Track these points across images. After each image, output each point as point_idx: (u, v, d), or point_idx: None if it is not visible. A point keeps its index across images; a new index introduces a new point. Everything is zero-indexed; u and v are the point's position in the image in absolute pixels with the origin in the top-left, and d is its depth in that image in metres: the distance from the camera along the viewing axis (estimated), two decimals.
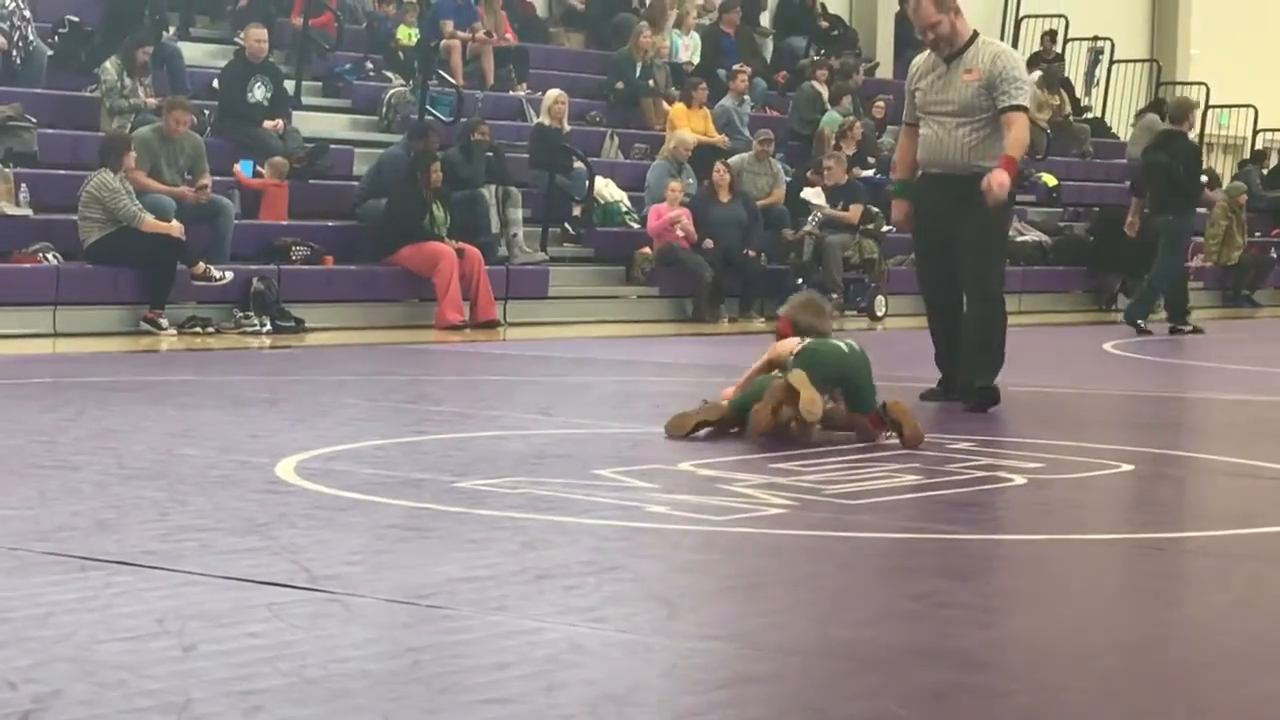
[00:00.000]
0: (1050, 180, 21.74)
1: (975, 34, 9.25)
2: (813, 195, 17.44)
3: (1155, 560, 5.60)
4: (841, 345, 7.91)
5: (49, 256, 12.73)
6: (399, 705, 3.52)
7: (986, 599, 4.86)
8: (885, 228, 17.80)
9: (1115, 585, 5.27)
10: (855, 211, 17.32)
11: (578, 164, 16.94)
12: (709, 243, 16.31)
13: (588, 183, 16.89)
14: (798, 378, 7.46)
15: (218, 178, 14.02)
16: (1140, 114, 24.20)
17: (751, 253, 16.60)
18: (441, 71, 17.41)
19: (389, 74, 17.81)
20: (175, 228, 12.83)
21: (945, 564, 5.35)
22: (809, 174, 17.79)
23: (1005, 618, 4.63)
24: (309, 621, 4.18)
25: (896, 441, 7.57)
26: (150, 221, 12.69)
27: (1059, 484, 6.73)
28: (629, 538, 5.42)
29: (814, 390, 7.40)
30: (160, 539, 5.12)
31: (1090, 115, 24.87)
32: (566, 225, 16.88)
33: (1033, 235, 20.05)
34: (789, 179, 17.99)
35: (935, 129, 9.14)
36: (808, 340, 7.87)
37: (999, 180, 8.86)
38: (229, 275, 13.10)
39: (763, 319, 16.23)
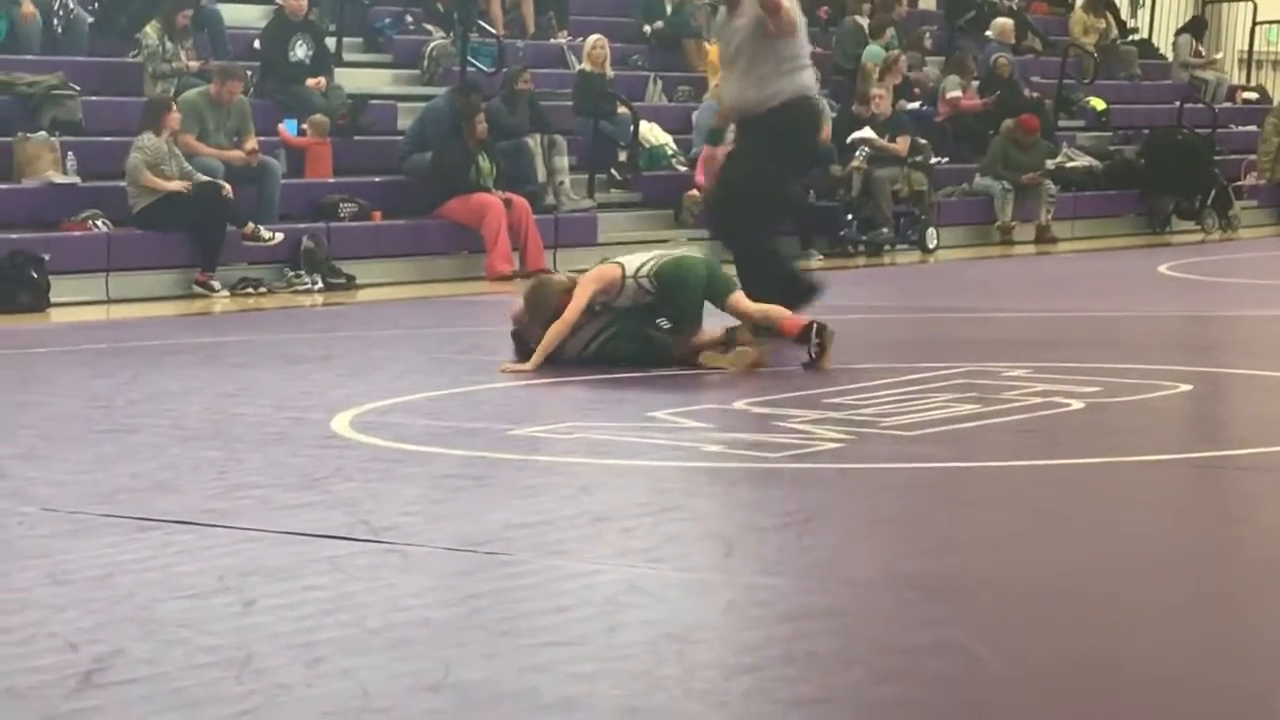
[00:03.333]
0: (1099, 105, 21.53)
1: None
2: (859, 132, 17.32)
3: (1215, 479, 5.56)
4: (692, 259, 8.22)
5: (99, 224, 12.76)
6: (460, 652, 3.52)
7: (1047, 524, 4.83)
8: (934, 159, 17.67)
9: (1176, 505, 5.23)
10: (903, 143, 17.19)
11: (622, 109, 16.86)
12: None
13: (632, 127, 16.81)
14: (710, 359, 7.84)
15: (262, 138, 14.01)
16: (1177, 34, 23.95)
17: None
18: (481, 22, 17.33)
19: (429, 27, 17.75)
20: (220, 190, 12.79)
21: (1005, 491, 5.32)
22: (854, 108, 17.67)
23: (1067, 542, 4.59)
24: (368, 573, 4.18)
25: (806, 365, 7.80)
26: (161, 184, 12.54)
27: (1117, 407, 6.68)
28: (685, 478, 5.41)
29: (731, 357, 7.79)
30: (218, 497, 5.14)
31: (1137, 37, 24.59)
32: (613, 171, 16.81)
33: (1083, 160, 19.86)
34: (834, 114, 17.85)
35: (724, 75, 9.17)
36: (662, 264, 7.97)
37: None
38: (279, 235, 13.10)
39: (820, 257, 16.15)
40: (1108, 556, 4.41)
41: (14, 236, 12.17)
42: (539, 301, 8.05)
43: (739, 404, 6.85)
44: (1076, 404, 6.67)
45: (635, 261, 8.09)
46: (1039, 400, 6.76)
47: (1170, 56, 24.28)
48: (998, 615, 3.86)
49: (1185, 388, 7.16)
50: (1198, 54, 23.52)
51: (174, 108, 12.95)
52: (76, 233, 12.65)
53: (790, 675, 3.39)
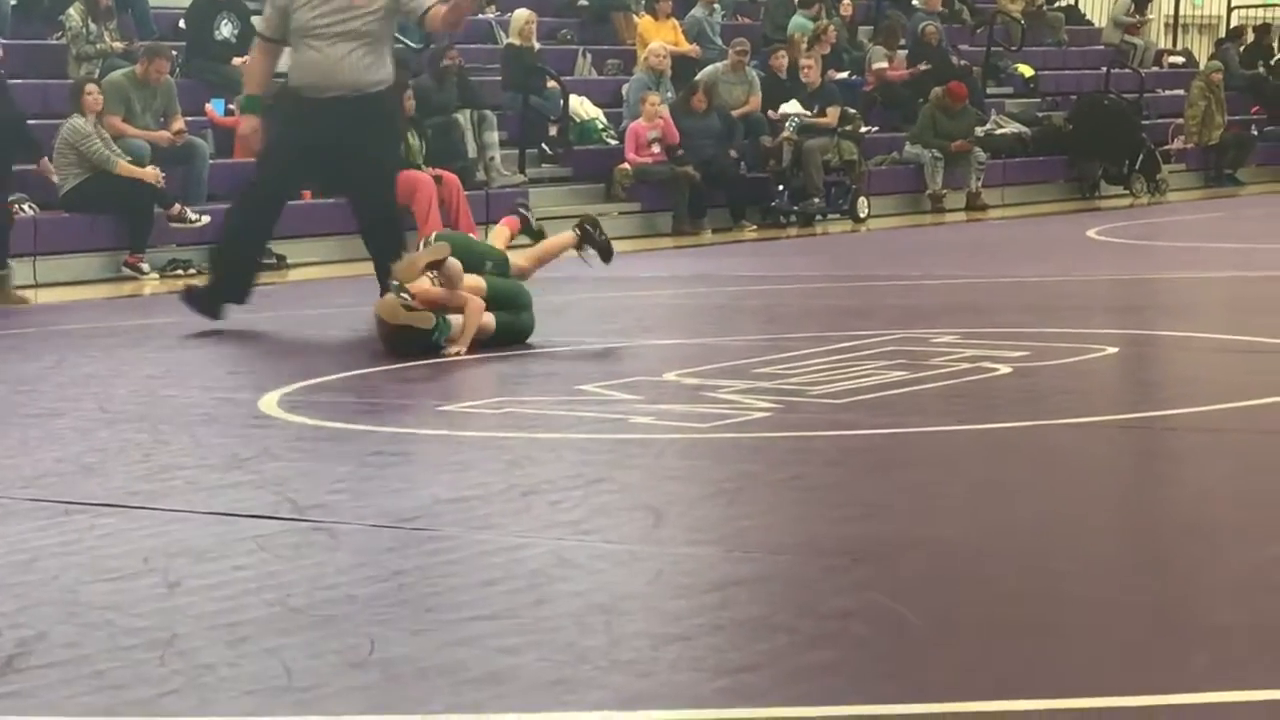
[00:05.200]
0: (1027, 71, 21.61)
1: None
2: (787, 106, 17.33)
3: (1145, 439, 5.59)
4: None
5: (25, 207, 12.63)
6: (385, 628, 3.51)
7: (977, 488, 4.85)
8: (864, 129, 17.70)
9: (1106, 466, 5.26)
10: (833, 114, 17.21)
11: (551, 84, 16.81)
12: (682, 155, 16.21)
13: (562, 102, 16.77)
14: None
15: (189, 118, 13.89)
16: None
17: (733, 153, 16.54)
18: None
19: None
20: (150, 173, 12.73)
21: (934, 456, 5.34)
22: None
23: (997, 505, 4.61)
24: (294, 551, 4.16)
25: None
26: (124, 166, 12.59)
27: (1045, 371, 6.71)
28: (614, 450, 5.40)
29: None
30: (144, 479, 5.10)
31: (1063, 3, 24.70)
32: (543, 146, 16.76)
33: (1012, 127, 19.93)
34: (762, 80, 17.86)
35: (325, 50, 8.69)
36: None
37: None
38: (206, 217, 13.00)
39: (752, 227, 16.17)
40: (1037, 518, 4.43)
41: None
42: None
43: (669, 375, 6.85)
44: (1005, 369, 6.70)
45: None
46: (968, 366, 6.79)
47: (1097, 23, 24.40)
48: (926, 578, 3.88)
49: (1112, 350, 7.21)
50: (1135, 13, 23.58)
51: (92, 89, 12.80)
52: None
53: (717, 644, 3.40)
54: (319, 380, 7.04)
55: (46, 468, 5.32)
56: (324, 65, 8.74)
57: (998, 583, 3.83)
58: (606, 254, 8.69)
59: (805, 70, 17.52)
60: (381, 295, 8.01)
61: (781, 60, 17.67)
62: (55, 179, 12.50)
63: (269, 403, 6.42)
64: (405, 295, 7.67)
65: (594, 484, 4.87)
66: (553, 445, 5.46)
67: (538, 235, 8.95)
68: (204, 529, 4.43)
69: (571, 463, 5.17)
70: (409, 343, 7.52)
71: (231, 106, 14.51)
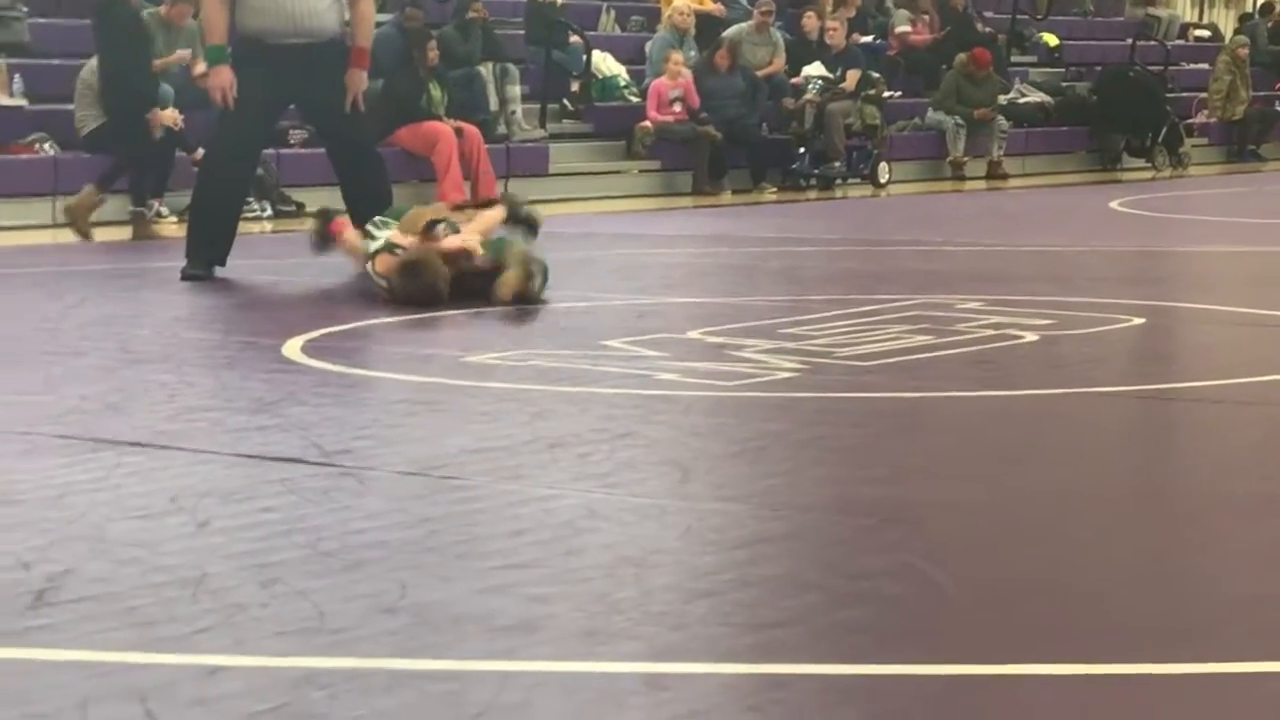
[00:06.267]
0: (1051, 40, 21.54)
1: None
2: (810, 68, 17.27)
3: (1171, 410, 5.58)
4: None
5: (46, 147, 12.62)
6: (416, 574, 3.51)
7: (1003, 453, 4.84)
8: (886, 93, 17.64)
9: (1128, 436, 5.26)
10: (853, 78, 17.16)
11: (574, 39, 16.77)
12: (705, 117, 16.16)
13: (585, 58, 16.72)
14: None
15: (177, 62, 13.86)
16: None
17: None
18: None
19: None
20: (169, 116, 12.69)
21: (960, 421, 5.33)
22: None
23: (1021, 471, 4.60)
24: (322, 496, 4.16)
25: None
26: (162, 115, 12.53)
27: (1070, 339, 6.70)
28: (640, 405, 5.39)
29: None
30: (169, 420, 5.10)
31: None
32: (565, 101, 16.73)
33: (1035, 96, 19.88)
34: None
35: None
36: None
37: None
38: None
39: (772, 190, 16.14)
40: (1060, 485, 4.43)
41: None
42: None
43: (692, 333, 6.84)
44: (1030, 336, 6.69)
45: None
46: (992, 332, 6.77)
47: None
48: (952, 540, 3.87)
49: (1137, 321, 7.19)
50: None
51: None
52: (23, 155, 12.50)
53: (748, 599, 3.39)
54: (341, 328, 7.03)
55: (71, 405, 5.32)
56: (282, 10, 8.58)
57: (1026, 548, 3.83)
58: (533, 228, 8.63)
59: (829, 33, 17.46)
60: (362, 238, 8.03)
61: (812, 22, 17.59)
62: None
63: (292, 348, 6.41)
64: (399, 250, 7.67)
65: (620, 438, 4.86)
66: (578, 399, 5.45)
67: (527, 221, 8.75)
68: (231, 470, 4.43)
69: (597, 416, 5.16)
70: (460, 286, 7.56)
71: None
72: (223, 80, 8.63)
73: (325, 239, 8.35)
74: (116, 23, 11.79)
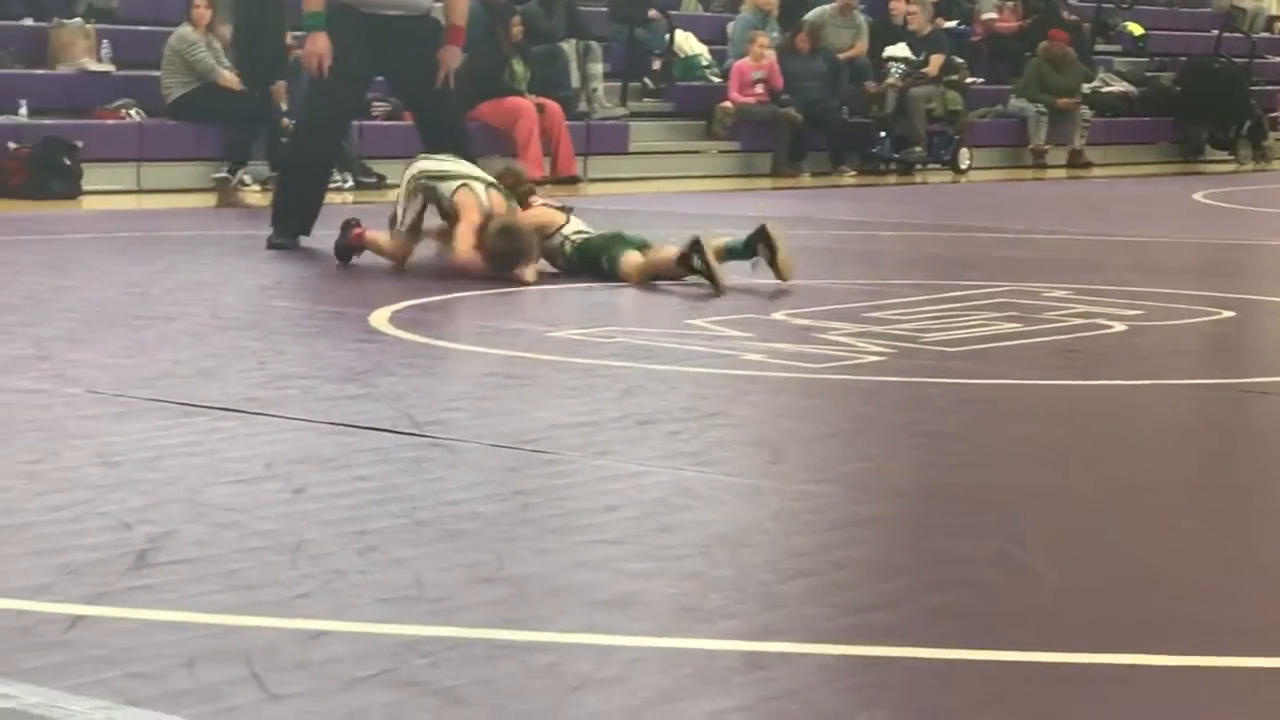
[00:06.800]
0: (1136, 30, 21.35)
1: None
2: (894, 49, 17.19)
3: (1257, 404, 5.53)
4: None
5: (132, 113, 12.72)
6: (511, 546, 3.52)
7: (1095, 442, 4.80)
8: (969, 79, 17.53)
9: (1226, 428, 5.21)
10: (935, 62, 17.07)
11: (656, 16, 16.74)
12: (786, 98, 16.11)
13: (667, 36, 16.70)
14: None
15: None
16: None
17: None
18: None
19: None
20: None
21: (1048, 409, 5.30)
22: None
23: (1116, 460, 4.57)
24: (415, 466, 4.18)
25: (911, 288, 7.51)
26: (228, 76, 12.65)
27: (1158, 330, 6.65)
28: (728, 385, 5.39)
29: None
30: (261, 386, 5.13)
31: None
32: (646, 80, 16.71)
33: (1119, 86, 19.72)
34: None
35: None
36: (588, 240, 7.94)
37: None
38: None
39: (852, 173, 16.09)
40: (1158, 476, 4.40)
41: (47, 123, 12.13)
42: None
43: (778, 314, 6.82)
44: (1118, 326, 6.64)
45: (576, 224, 8.01)
46: (1080, 321, 6.73)
47: None
48: (1048, 529, 3.85)
49: (1227, 314, 7.12)
50: None
51: (199, 2, 12.83)
52: (109, 121, 12.60)
53: (843, 581, 3.39)
54: (425, 300, 7.05)
55: (164, 369, 5.36)
56: None
57: (1121, 537, 3.80)
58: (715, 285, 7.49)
59: (912, 16, 17.37)
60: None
61: (900, 7, 17.48)
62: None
63: (379, 318, 6.44)
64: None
65: (710, 417, 4.86)
66: (666, 376, 5.45)
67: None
68: (324, 438, 4.45)
69: (686, 395, 5.16)
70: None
71: None
72: (319, 47, 8.57)
73: (350, 250, 8.16)
74: None
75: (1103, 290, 7.66)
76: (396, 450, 4.32)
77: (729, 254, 7.60)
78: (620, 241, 7.81)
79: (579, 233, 7.90)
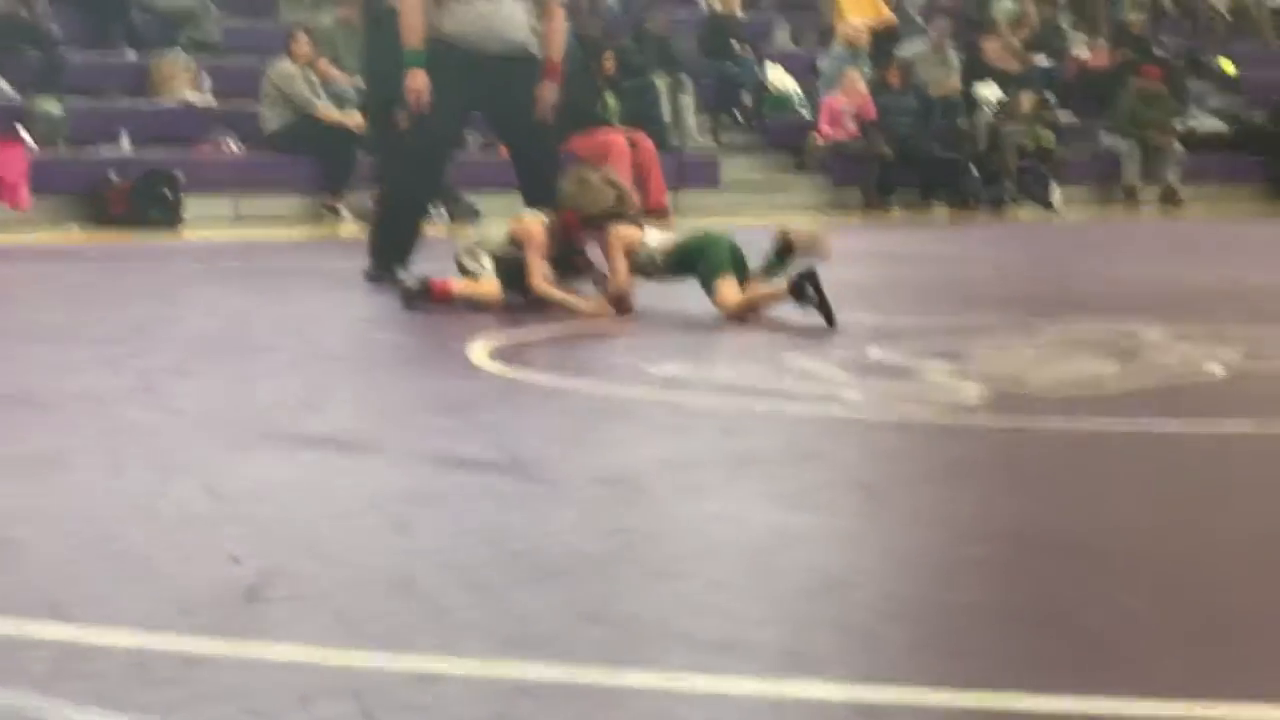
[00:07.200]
0: (1229, 67, 21.20)
1: None
2: (984, 87, 17.17)
3: None
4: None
5: (231, 144, 12.88)
6: (613, 584, 3.53)
7: (1203, 490, 4.76)
8: (1061, 116, 17.47)
9: None
10: (1028, 100, 17.02)
11: (745, 50, 16.79)
12: (876, 133, 16.10)
13: (756, 69, 16.75)
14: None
15: None
16: None
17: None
18: None
19: None
20: (350, 117, 12.90)
21: (1154, 455, 5.26)
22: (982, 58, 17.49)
23: (1225, 511, 4.53)
24: (519, 502, 4.20)
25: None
26: (325, 109, 12.80)
27: (1262, 374, 6.59)
28: (826, 425, 5.39)
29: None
30: (363, 420, 5.18)
31: (1275, 4, 24.16)
32: (736, 113, 16.76)
33: (1212, 123, 19.58)
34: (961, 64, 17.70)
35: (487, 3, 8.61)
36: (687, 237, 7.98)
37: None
38: None
39: (943, 209, 16.06)
40: (1256, 525, 4.35)
41: (147, 156, 12.31)
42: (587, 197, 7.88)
43: (874, 351, 6.82)
44: (1219, 369, 6.58)
45: (653, 233, 8.04)
46: (1180, 363, 6.68)
47: None
48: (1153, 577, 3.82)
49: None
50: None
51: (301, 38, 13.01)
52: (208, 152, 12.77)
53: (950, 627, 3.38)
54: (523, 334, 7.10)
55: (269, 402, 5.42)
56: (487, 19, 8.61)
57: (1229, 591, 3.77)
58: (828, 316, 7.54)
59: (1004, 55, 17.34)
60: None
61: (994, 44, 17.47)
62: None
63: (478, 353, 6.49)
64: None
65: (808, 459, 4.86)
66: (764, 416, 5.46)
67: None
68: (425, 473, 4.49)
69: (784, 435, 5.17)
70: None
71: None
72: (419, 83, 8.64)
73: (428, 300, 8.14)
74: (389, 32, 11.98)
75: (1203, 331, 7.60)
76: (499, 486, 4.35)
77: (767, 271, 7.79)
78: (714, 247, 7.83)
79: (663, 242, 7.96)
